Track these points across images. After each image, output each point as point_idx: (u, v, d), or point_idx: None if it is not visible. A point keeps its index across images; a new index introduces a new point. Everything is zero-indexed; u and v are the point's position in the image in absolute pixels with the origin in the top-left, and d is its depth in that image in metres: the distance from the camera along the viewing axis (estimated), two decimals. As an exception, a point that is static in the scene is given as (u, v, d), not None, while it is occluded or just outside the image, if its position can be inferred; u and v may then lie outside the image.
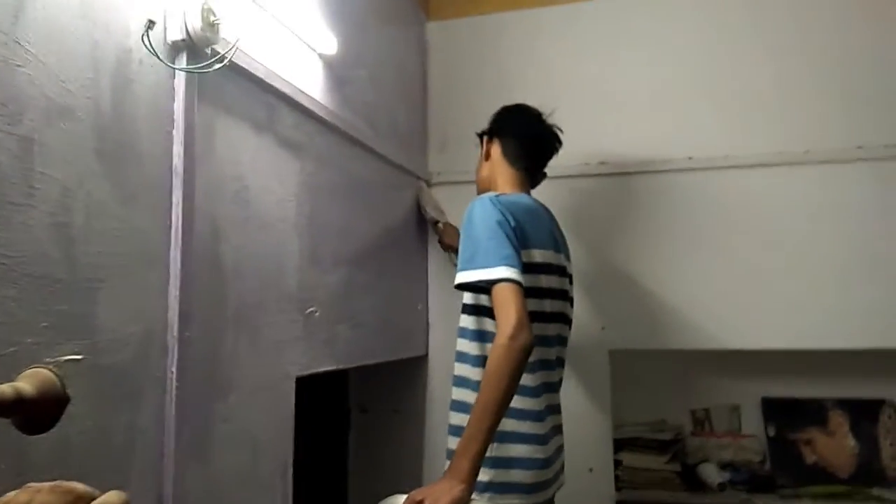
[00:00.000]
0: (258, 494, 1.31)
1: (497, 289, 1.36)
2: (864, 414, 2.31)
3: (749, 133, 2.18)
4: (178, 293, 1.07)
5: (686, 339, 2.16)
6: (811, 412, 2.35)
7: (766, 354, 2.24)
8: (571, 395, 2.01)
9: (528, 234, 1.51)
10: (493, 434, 1.30)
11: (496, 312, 1.36)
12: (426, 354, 2.32)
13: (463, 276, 1.43)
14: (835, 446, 2.31)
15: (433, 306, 2.36)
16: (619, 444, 2.28)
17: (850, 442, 2.30)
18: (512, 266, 1.37)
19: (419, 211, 2.29)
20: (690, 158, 2.20)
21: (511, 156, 1.72)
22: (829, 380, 2.33)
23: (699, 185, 2.19)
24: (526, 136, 1.74)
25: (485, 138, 1.79)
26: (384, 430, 2.34)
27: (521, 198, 1.62)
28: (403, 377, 2.31)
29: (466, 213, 1.50)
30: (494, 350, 1.32)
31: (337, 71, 1.75)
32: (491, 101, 1.91)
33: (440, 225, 2.21)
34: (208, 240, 1.18)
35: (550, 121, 1.77)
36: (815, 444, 2.32)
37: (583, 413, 2.13)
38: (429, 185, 2.39)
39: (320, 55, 1.65)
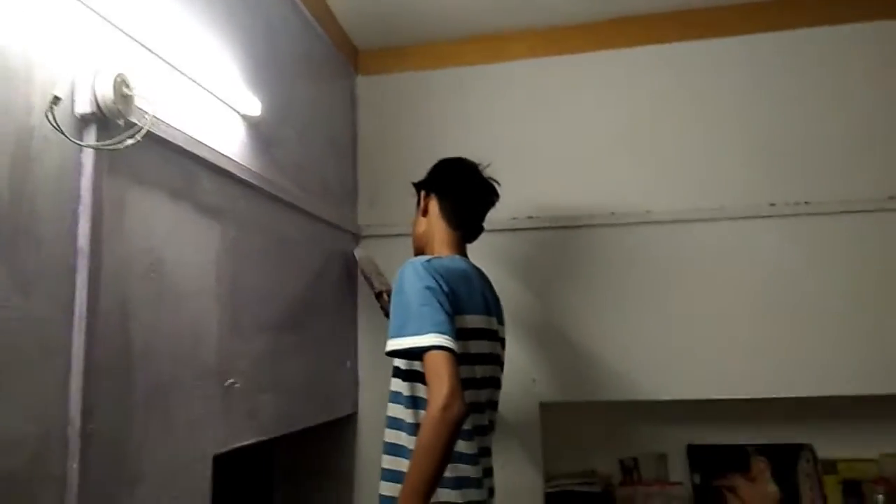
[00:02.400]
0: (171, 589, 1.23)
1: (428, 357, 1.34)
2: (784, 459, 2.38)
3: (669, 189, 2.26)
4: (80, 384, 1.00)
5: (614, 390, 2.20)
6: (734, 458, 2.41)
7: (691, 403, 2.29)
8: (503, 450, 2.00)
9: (461, 299, 1.50)
10: (430, 496, 1.27)
11: (428, 381, 1.34)
12: (355, 413, 2.26)
13: (394, 344, 1.40)
14: (757, 492, 2.37)
15: (363, 362, 2.31)
16: (551, 498, 2.27)
17: (772, 487, 2.36)
18: (443, 333, 1.35)
19: (358, 275, 2.26)
20: (613, 213, 2.26)
21: (448, 215, 1.70)
22: (752, 426, 2.39)
23: (622, 238, 2.26)
24: (465, 197, 1.72)
25: (422, 193, 1.77)
26: (312, 495, 2.26)
27: (454, 261, 1.60)
28: (331, 438, 2.24)
29: (398, 277, 1.48)
30: (426, 421, 1.30)
31: (263, 132, 1.72)
32: (420, 155, 1.92)
33: (385, 296, 2.17)
34: (115, 322, 1.12)
35: (488, 172, 1.77)
36: (738, 490, 2.38)
37: (514, 467, 2.13)
38: (358, 239, 2.36)
39: (244, 117, 1.62)
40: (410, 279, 1.44)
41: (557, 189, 2.32)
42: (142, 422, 1.17)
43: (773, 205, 2.19)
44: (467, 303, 1.53)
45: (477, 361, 1.55)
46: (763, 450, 2.40)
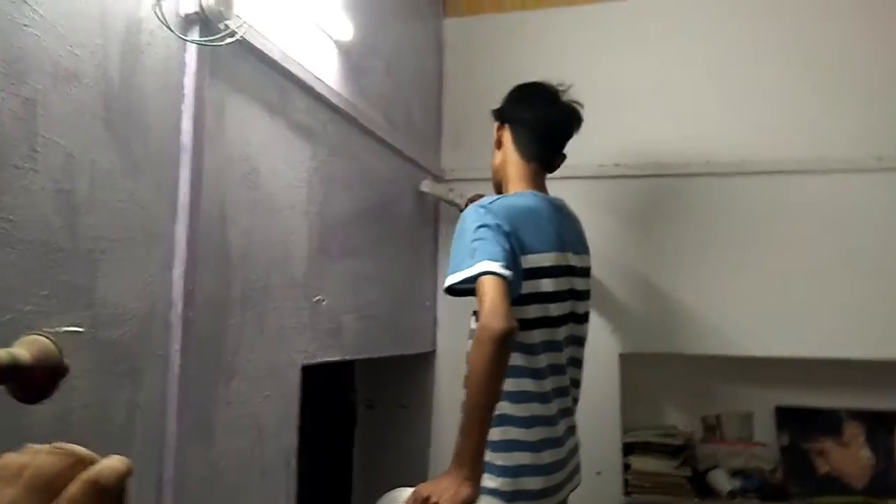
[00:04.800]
0: (261, 481, 1.28)
1: (477, 284, 1.32)
2: (879, 426, 2.25)
3: (767, 139, 2.14)
4: (182, 272, 1.05)
5: (699, 344, 2.13)
6: (825, 422, 2.29)
7: (781, 362, 2.19)
8: (580, 397, 1.97)
9: (525, 239, 1.45)
10: (486, 425, 1.27)
11: (478, 306, 1.32)
12: (434, 351, 2.28)
13: (448, 280, 1.39)
14: (849, 457, 2.26)
15: (441, 304, 2.33)
16: (629, 448, 2.23)
17: (865, 453, 2.24)
18: (492, 260, 1.32)
19: (439, 206, 2.26)
20: (707, 162, 2.17)
21: (522, 147, 1.62)
22: (845, 390, 2.27)
23: (716, 189, 2.16)
24: (539, 126, 1.62)
25: (496, 124, 1.70)
26: (390, 426, 2.31)
27: (522, 197, 1.54)
28: (411, 373, 2.28)
29: (459, 221, 1.46)
30: (472, 343, 1.29)
31: (353, 59, 1.73)
32: (506, 97, 1.88)
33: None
34: (215, 220, 1.16)
35: (569, 96, 1.66)
36: (828, 455, 2.27)
37: (592, 416, 2.08)
38: (440, 181, 2.36)
39: (336, 41, 1.63)
40: (467, 222, 1.42)
41: (648, 135, 2.24)
42: (237, 320, 1.22)
43: (880, 159, 2.04)
44: (535, 240, 1.47)
45: (550, 299, 1.49)
46: (857, 415, 2.27)
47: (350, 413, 2.34)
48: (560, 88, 1.66)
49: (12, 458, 0.44)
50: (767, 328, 2.07)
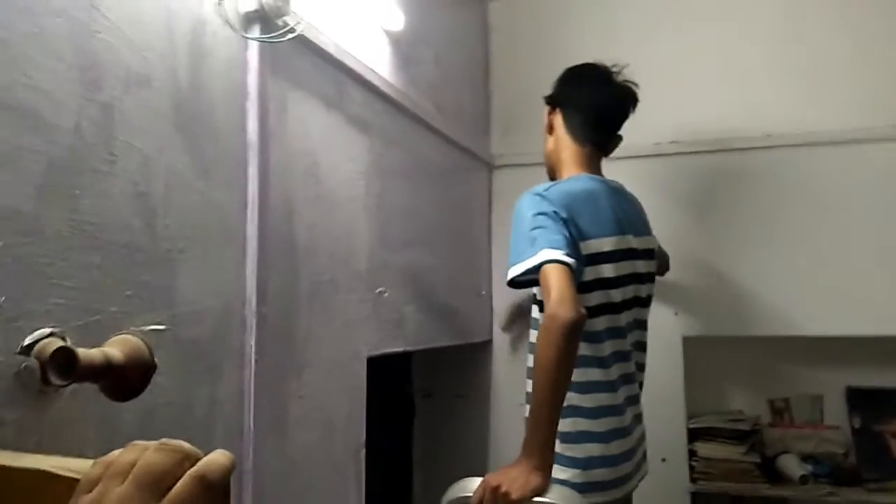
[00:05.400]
0: (332, 474, 1.30)
1: (540, 273, 1.30)
2: (958, 405, 2.16)
3: (831, 107, 2.05)
4: (255, 268, 1.06)
5: (764, 325, 2.07)
6: (900, 403, 2.21)
7: (850, 342, 2.12)
8: (643, 382, 1.94)
9: (582, 225, 1.42)
10: (556, 416, 1.26)
11: (543, 296, 1.30)
12: (490, 340, 2.28)
13: (510, 272, 1.37)
14: (926, 440, 2.17)
15: (496, 293, 2.31)
16: (694, 434, 2.18)
17: (944, 435, 2.15)
18: (554, 248, 1.30)
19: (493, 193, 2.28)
20: (769, 136, 2.09)
21: (575, 131, 1.57)
22: (920, 369, 2.18)
23: (778, 163, 2.08)
24: (592, 108, 1.58)
25: (547, 108, 1.66)
26: (448, 416, 2.31)
27: (578, 181, 1.51)
28: (467, 362, 2.28)
29: (515, 209, 1.43)
30: (539, 332, 1.28)
31: (403, 49, 1.72)
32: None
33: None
34: (282, 216, 1.17)
35: (624, 75, 1.61)
36: (904, 437, 2.18)
37: (655, 401, 2.04)
38: (492, 168, 2.34)
39: (387, 32, 1.63)
40: (523, 210, 1.40)
41: (705, 111, 2.17)
42: (306, 313, 1.23)
43: (954, 125, 1.94)
44: (593, 225, 1.44)
45: (612, 285, 1.46)
46: (935, 395, 2.18)
47: (408, 404, 2.35)
48: (614, 69, 1.61)
49: (121, 455, 0.45)
50: (834, 307, 2.00)
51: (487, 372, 2.28)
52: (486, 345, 2.27)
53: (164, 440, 0.49)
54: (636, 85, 1.61)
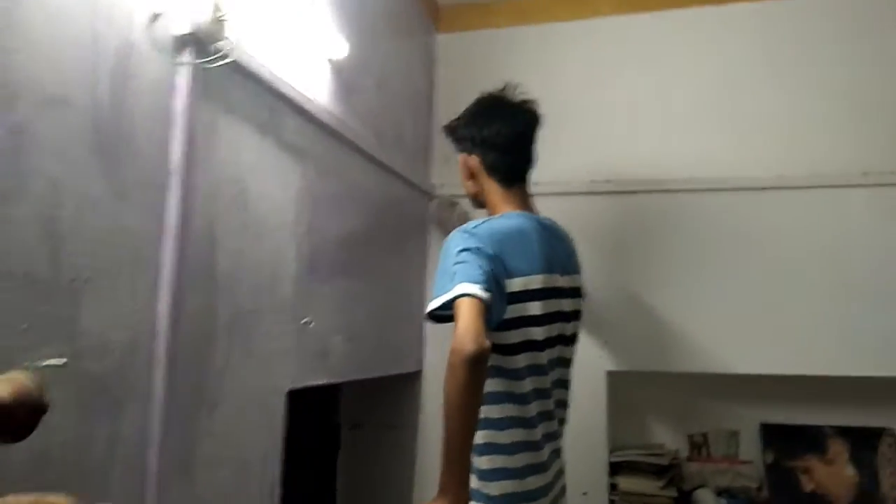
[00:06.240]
0: (245, 513, 1.25)
1: (454, 307, 1.29)
2: (864, 442, 2.26)
3: (755, 155, 2.15)
4: (169, 299, 1.02)
5: (686, 362, 2.13)
6: (810, 439, 2.30)
7: (767, 379, 2.20)
8: (568, 417, 1.96)
9: (510, 263, 1.42)
10: (468, 450, 1.25)
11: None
12: (421, 370, 2.26)
13: (429, 306, 1.36)
14: (834, 475, 2.26)
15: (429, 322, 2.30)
16: (615, 468, 2.22)
17: (850, 471, 2.25)
18: (470, 282, 1.29)
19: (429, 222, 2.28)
20: (695, 179, 2.17)
21: (498, 172, 1.57)
22: (830, 407, 2.28)
23: (704, 206, 2.17)
24: (509, 145, 1.57)
25: (462, 155, 1.63)
26: (376, 448, 2.28)
27: (508, 219, 1.50)
28: (398, 392, 2.25)
29: (444, 245, 1.43)
30: (446, 367, 1.25)
31: (344, 77, 1.71)
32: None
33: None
34: (203, 244, 1.13)
35: (519, 95, 1.61)
36: (813, 472, 2.27)
37: (579, 435, 2.07)
38: (431, 197, 2.35)
39: (328, 60, 1.61)
40: (450, 247, 1.40)
41: (637, 152, 2.24)
42: (223, 346, 1.19)
43: (866, 174, 2.06)
44: (521, 263, 1.44)
45: (535, 323, 1.46)
46: (841, 432, 2.28)
47: (334, 436, 2.30)
48: (511, 93, 1.63)
49: None
50: (752, 345, 2.07)
51: (417, 402, 2.25)
52: (417, 375, 2.25)
53: (37, 496, 0.46)
54: (535, 102, 1.63)
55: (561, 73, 2.34)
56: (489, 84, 2.36)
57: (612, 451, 2.20)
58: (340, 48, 1.60)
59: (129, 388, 0.97)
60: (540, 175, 2.10)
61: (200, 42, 1.09)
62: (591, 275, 2.16)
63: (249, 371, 1.27)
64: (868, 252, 2.03)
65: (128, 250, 0.97)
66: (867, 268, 2.02)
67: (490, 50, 2.42)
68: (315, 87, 1.56)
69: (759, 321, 2.08)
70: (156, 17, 1.00)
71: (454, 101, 2.42)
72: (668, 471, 2.26)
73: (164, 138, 1.06)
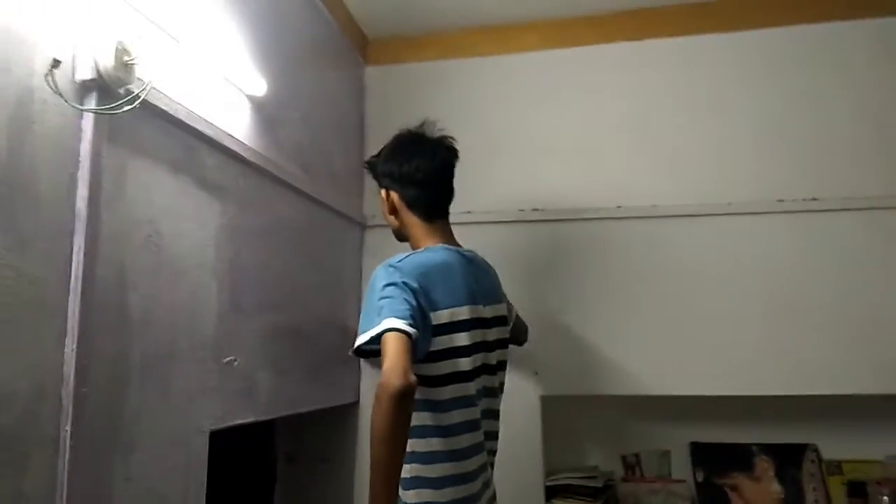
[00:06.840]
0: (163, 562, 1.23)
1: (381, 342, 1.30)
2: (788, 459, 2.35)
3: (675, 184, 2.25)
4: (75, 346, 1.00)
5: (617, 384, 2.18)
6: (738, 457, 2.38)
7: (695, 400, 2.27)
8: (502, 441, 1.98)
9: (434, 296, 1.44)
10: (394, 485, 1.24)
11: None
12: (357, 401, 2.25)
13: (357, 342, 1.37)
14: (761, 491, 2.34)
15: (365, 351, 2.30)
16: (551, 492, 2.25)
17: (776, 487, 2.33)
18: (396, 317, 1.31)
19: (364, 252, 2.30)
20: (619, 207, 2.25)
21: (420, 208, 1.61)
22: (756, 425, 2.37)
23: (631, 233, 2.24)
24: (429, 182, 1.61)
25: (382, 191, 1.67)
26: (312, 481, 2.25)
27: (432, 254, 1.54)
28: (334, 424, 2.24)
29: (370, 280, 1.45)
30: (373, 402, 1.26)
31: (267, 112, 1.72)
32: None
33: None
34: (112, 288, 1.12)
35: (435, 132, 1.66)
36: (741, 489, 2.35)
37: (515, 460, 2.10)
38: (365, 227, 2.36)
39: (249, 96, 1.62)
40: (376, 282, 1.41)
41: (564, 181, 2.31)
42: (138, 390, 1.17)
43: (781, 201, 2.17)
44: (446, 296, 1.47)
45: (462, 354, 1.48)
46: (767, 449, 2.37)
47: (271, 468, 2.27)
48: (428, 130, 1.67)
49: None
50: (680, 368, 2.14)
51: (355, 434, 2.24)
52: (353, 406, 2.24)
53: None
54: (453, 139, 1.68)
55: (490, 105, 2.41)
56: (420, 116, 2.40)
57: (547, 475, 2.23)
58: (258, 85, 1.61)
59: (35, 439, 0.95)
60: (471, 204, 2.16)
61: (106, 86, 1.08)
62: (522, 302, 2.21)
63: (167, 413, 1.25)
64: (787, 275, 2.13)
65: (30, 299, 0.96)
66: (787, 290, 2.12)
67: (419, 82, 2.47)
68: (236, 124, 1.56)
69: (687, 344, 2.15)
70: (56, 63, 1.00)
71: (385, 133, 2.44)
72: (603, 492, 2.30)
73: (70, 184, 1.05)
